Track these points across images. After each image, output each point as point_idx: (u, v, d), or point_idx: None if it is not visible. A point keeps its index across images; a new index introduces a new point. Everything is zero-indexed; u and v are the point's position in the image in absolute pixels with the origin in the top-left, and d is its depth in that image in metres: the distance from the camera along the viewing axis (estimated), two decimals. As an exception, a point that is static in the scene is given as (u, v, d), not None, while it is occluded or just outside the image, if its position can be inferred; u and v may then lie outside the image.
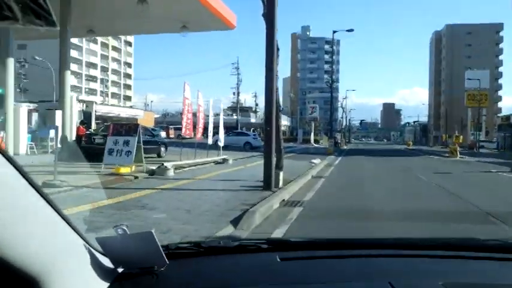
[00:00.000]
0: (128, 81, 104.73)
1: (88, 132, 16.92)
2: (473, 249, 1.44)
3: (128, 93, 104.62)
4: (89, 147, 16.10)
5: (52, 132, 15.60)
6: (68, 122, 16.40)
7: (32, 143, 15.06)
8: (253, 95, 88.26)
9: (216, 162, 18.24)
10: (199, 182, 11.73)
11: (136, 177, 11.92)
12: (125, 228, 1.06)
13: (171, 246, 1.31)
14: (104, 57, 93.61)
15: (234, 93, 73.39)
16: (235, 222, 6.61)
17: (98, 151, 15.51)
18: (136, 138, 12.24)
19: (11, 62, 13.95)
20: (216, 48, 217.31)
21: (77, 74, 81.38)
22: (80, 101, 17.22)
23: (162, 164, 13.13)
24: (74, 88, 79.19)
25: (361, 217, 7.61)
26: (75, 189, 9.39)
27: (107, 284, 1.03)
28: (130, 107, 74.45)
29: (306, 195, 10.31)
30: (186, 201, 8.61)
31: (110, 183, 10.54)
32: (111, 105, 64.51)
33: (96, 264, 1.01)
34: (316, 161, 20.95)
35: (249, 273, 1.23)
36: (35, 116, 30.06)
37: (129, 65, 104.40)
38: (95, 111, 18.66)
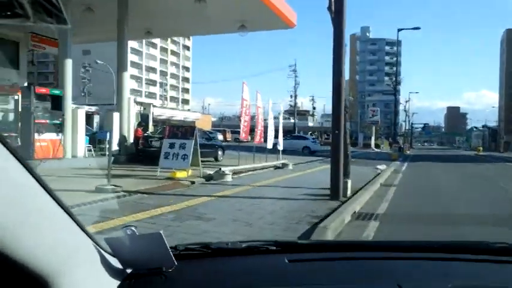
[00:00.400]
0: (186, 85, 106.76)
1: (145, 134, 16.61)
2: (482, 252, 1.41)
3: (186, 96, 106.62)
4: (146, 150, 15.77)
5: (110, 134, 15.41)
6: (125, 124, 16.15)
7: (89, 145, 14.89)
8: (310, 99, 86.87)
9: (275, 167, 17.35)
10: (259, 189, 10.85)
11: (192, 183, 11.26)
12: (133, 229, 1.04)
13: (179, 247, 1.29)
14: (163, 61, 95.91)
15: (291, 96, 72.35)
16: (305, 238, 5.69)
17: (155, 154, 15.13)
18: (193, 141, 11.59)
19: (69, 64, 13.83)
20: (272, 50, 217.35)
21: (137, 78, 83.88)
22: (137, 103, 16.94)
23: (220, 168, 12.40)
24: (135, 92, 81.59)
25: (453, 236, 6.38)
26: (128, 196, 8.81)
27: (116, 285, 1.02)
28: (188, 110, 75.52)
29: (379, 207, 9.16)
30: (246, 211, 7.77)
31: (165, 189, 9.92)
32: (169, 108, 65.67)
33: (105, 265, 1.01)
34: (382, 167, 19.53)
35: (258, 275, 1.21)
36: (96, 119, 30.82)
37: (187, 69, 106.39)
38: (153, 113, 18.32)
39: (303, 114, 79.83)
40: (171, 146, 11.58)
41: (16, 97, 23.84)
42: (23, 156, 0.72)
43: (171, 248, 1.11)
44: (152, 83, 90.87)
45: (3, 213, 0.65)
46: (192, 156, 11.51)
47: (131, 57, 75.76)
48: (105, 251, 1.05)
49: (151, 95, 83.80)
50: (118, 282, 1.03)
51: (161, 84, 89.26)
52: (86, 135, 14.80)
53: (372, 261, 1.36)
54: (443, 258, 1.36)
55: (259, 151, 17.76)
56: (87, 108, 24.01)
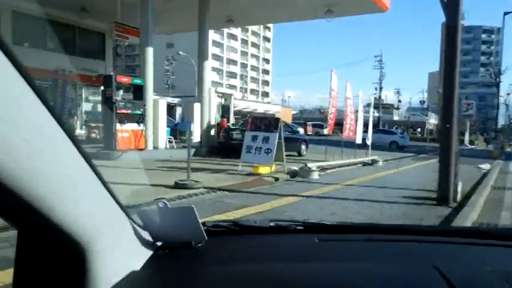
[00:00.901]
0: (266, 77, 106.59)
1: (226, 126, 16.00)
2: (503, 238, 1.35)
3: (266, 89, 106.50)
4: (227, 143, 15.13)
5: (191, 126, 14.95)
6: (206, 115, 15.63)
7: (171, 136, 14.52)
8: (395, 91, 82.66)
9: (364, 164, 15.94)
10: (350, 189, 9.64)
11: (276, 179, 10.32)
12: (165, 202, 1.03)
13: (208, 223, 1.27)
14: (244, 53, 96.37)
15: (375, 89, 69.15)
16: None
17: (236, 147, 14.44)
18: (277, 134, 10.62)
19: (150, 52, 13.47)
20: (354, 40, 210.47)
21: (218, 71, 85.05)
22: (218, 93, 16.30)
23: (305, 164, 11.34)
24: (215, 84, 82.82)
25: None
26: (208, 193, 8.06)
27: (147, 257, 1.02)
28: (268, 102, 75.16)
29: (501, 216, 7.59)
30: (339, 215, 6.68)
31: (247, 186, 9.06)
32: (249, 100, 65.68)
33: (136, 237, 1.00)
34: (485, 166, 17.27)
35: (287, 252, 1.18)
36: (178, 110, 31.10)
37: (267, 61, 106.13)
38: (234, 105, 17.65)
39: (387, 107, 75.95)
40: (254, 139, 10.71)
41: (102, 88, 24.70)
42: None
43: (201, 224, 1.10)
44: (232, 75, 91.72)
45: (45, 181, 0.66)
46: (276, 151, 10.55)
47: (212, 49, 76.98)
48: (137, 224, 1.04)
49: (231, 88, 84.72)
50: (148, 254, 1.03)
51: (241, 77, 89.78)
52: (168, 126, 14.43)
53: (406, 243, 1.30)
54: (479, 243, 1.30)
55: (344, 146, 16.39)
56: (169, 99, 24.04)
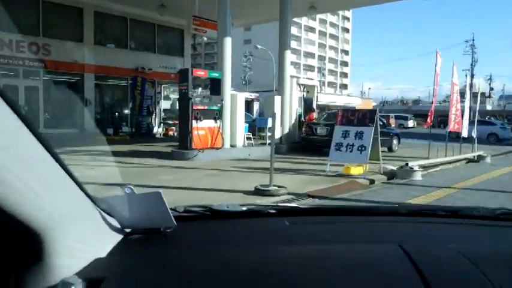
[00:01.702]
0: (345, 69, 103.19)
1: (313, 120, 14.68)
2: (481, 217, 1.41)
3: (344, 81, 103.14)
4: (310, 139, 13.81)
5: (270, 121, 13.82)
6: (287, 109, 14.42)
7: (249, 133, 13.49)
8: (487, 78, 75.81)
9: (468, 160, 13.82)
10: (466, 194, 7.90)
11: (372, 182, 8.85)
12: (132, 187, 1.03)
13: (179, 209, 1.26)
14: (321, 46, 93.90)
15: (466, 76, 63.73)
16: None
17: (320, 143, 13.12)
18: (373, 129, 9.10)
19: (228, 44, 12.51)
20: (440, 25, 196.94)
21: (295, 64, 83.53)
22: (300, 85, 14.99)
23: (406, 163, 9.70)
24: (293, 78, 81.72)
25: None
26: (294, 200, 6.83)
27: (113, 244, 1.01)
28: (347, 95, 72.39)
29: None
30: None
31: (339, 191, 7.70)
32: (328, 93, 63.61)
33: (102, 224, 1.01)
34: None
35: (258, 235, 1.20)
36: (256, 106, 30.26)
37: (346, 52, 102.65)
38: (317, 97, 16.24)
39: (477, 96, 69.79)
40: (345, 134, 9.28)
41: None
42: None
43: (170, 209, 1.10)
44: (310, 68, 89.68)
45: (3, 166, 0.65)
46: (370, 148, 9.05)
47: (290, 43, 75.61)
48: (103, 210, 1.03)
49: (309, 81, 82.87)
50: (115, 241, 1.02)
51: (319, 69, 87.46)
52: (245, 122, 13.41)
53: (373, 224, 1.33)
54: (443, 222, 1.35)
55: (435, 139, 14.27)
56: (246, 94, 23.13)
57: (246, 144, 13.04)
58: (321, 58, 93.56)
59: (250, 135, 13.44)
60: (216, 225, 1.26)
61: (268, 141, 13.72)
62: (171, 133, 20.99)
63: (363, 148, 9.02)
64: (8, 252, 0.80)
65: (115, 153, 12.18)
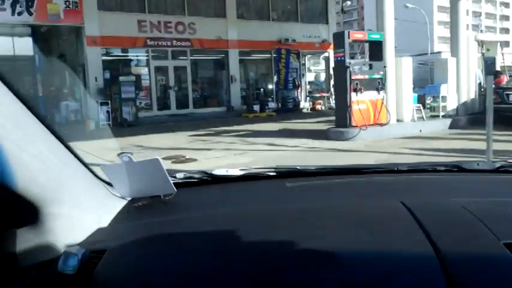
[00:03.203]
0: (505, 24, 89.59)
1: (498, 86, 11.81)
2: (481, 171, 1.42)
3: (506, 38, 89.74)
4: (499, 108, 11.03)
5: (444, 89, 11.41)
6: (463, 72, 11.76)
7: (418, 104, 11.29)
8: None
9: None
10: None
11: None
12: (130, 156, 1.02)
13: (178, 175, 1.26)
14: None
15: None
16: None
17: (513, 114, 10.38)
18: None
19: (390, 2, 10.38)
20: None
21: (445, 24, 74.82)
22: (479, 42, 12.11)
23: None
24: (444, 39, 73.51)
25: None
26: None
27: (115, 213, 1.02)
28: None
29: None
30: None
31: None
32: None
33: (103, 194, 1.02)
34: None
35: (258, 197, 1.22)
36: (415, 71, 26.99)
37: (506, 4, 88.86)
38: (503, 56, 13.09)
39: None
40: None
41: (327, 54, 22.70)
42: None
43: (171, 176, 1.11)
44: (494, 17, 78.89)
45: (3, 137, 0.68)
46: None
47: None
48: (102, 180, 1.04)
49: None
50: (117, 211, 1.03)
51: (474, 27, 77.24)
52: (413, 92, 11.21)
53: (374, 182, 1.34)
54: (444, 177, 1.36)
55: None
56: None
57: (416, 119, 10.88)
58: (476, 14, 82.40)
59: (420, 107, 11.22)
60: (216, 190, 1.27)
61: (441, 113, 11.37)
62: (318, 107, 19.54)
63: None
64: (8, 225, 0.80)
65: (264, 133, 11.18)
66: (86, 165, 0.94)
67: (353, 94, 9.49)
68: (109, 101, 14.65)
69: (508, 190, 1.22)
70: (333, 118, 14.31)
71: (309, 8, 21.14)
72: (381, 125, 9.87)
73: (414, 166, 1.51)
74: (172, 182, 1.07)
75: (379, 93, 9.88)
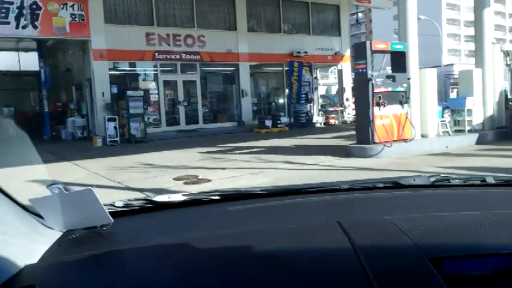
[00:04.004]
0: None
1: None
2: (418, 186, 1.46)
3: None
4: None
5: (469, 102, 10.76)
6: (489, 84, 11.11)
7: (443, 118, 10.63)
8: None
9: None
10: None
11: None
12: (60, 187, 0.99)
13: (117, 203, 1.23)
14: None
15: None
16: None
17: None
18: None
19: (412, 3, 9.80)
20: None
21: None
22: (505, 53, 11.49)
23: None
24: (453, 51, 72.72)
25: None
26: None
27: (46, 247, 0.96)
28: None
29: None
30: None
31: None
32: None
33: (32, 228, 0.98)
34: None
35: (199, 223, 1.19)
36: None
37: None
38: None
39: None
40: None
41: (339, 67, 22.17)
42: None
43: (109, 204, 1.11)
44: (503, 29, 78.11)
45: None
46: None
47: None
48: (34, 214, 1.01)
49: None
50: (48, 244, 0.97)
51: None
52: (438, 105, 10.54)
53: (315, 202, 1.35)
54: (383, 195, 1.40)
55: None
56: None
57: (441, 133, 10.21)
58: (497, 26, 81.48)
59: (446, 122, 10.57)
60: (156, 217, 1.22)
61: (467, 128, 10.71)
62: (332, 121, 18.93)
63: None
64: None
65: (279, 150, 10.59)
66: (12, 198, 0.92)
67: (375, 108, 8.87)
68: (116, 117, 14.14)
69: (439, 205, 1.25)
70: (349, 133, 13.80)
71: (321, 19, 20.68)
72: (405, 140, 9.22)
73: (354, 184, 1.53)
74: (110, 211, 1.03)
75: (403, 107, 9.25)
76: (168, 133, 15.73)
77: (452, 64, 29.85)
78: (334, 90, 24.70)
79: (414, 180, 1.49)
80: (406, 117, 9.29)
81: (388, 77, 9.38)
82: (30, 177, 5.73)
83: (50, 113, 17.00)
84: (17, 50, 19.32)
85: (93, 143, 13.74)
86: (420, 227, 0.95)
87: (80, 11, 14.60)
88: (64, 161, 10.38)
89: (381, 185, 1.48)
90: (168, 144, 13.28)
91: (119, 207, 1.20)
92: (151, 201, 1.28)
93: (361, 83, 9.03)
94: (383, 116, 8.96)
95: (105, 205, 1.02)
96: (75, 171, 8.74)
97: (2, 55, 19.85)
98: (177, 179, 7.36)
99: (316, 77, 20.68)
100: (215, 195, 1.36)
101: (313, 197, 1.40)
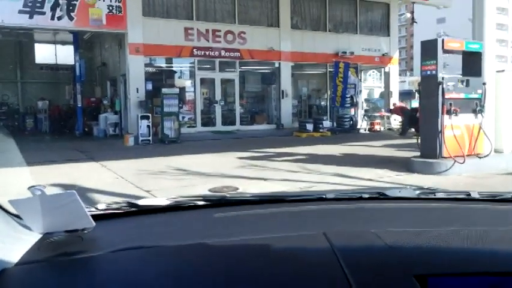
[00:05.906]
0: None
1: None
2: (403, 199, 1.45)
3: None
4: None
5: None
6: None
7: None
8: None
9: None
10: None
11: None
12: (41, 189, 0.94)
13: (100, 206, 1.23)
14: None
15: None
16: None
17: None
18: None
19: (489, 4, 8.48)
20: None
21: (501, 41, 70.90)
22: None
23: None
24: (500, 58, 69.33)
25: None
26: None
27: (25, 249, 0.92)
28: None
29: None
30: None
31: None
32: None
33: (12, 229, 0.95)
34: None
35: (183, 230, 1.16)
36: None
37: None
38: None
39: None
40: None
41: (387, 69, 20.79)
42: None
43: (92, 207, 1.08)
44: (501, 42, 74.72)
45: None
46: None
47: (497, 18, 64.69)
48: (14, 216, 0.98)
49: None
50: (28, 247, 0.94)
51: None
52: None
53: (302, 212, 1.31)
54: (369, 206, 1.38)
55: None
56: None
57: (518, 148, 8.81)
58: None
59: (525, 135, 9.14)
60: (139, 222, 1.19)
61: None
62: (377, 127, 17.59)
63: None
64: None
65: (326, 159, 9.44)
66: None
67: (445, 117, 7.61)
68: (150, 115, 13.35)
69: (425, 218, 1.24)
70: (399, 142, 12.52)
71: (369, 18, 19.35)
72: (479, 156, 7.91)
73: (340, 194, 1.53)
74: (92, 214, 0.98)
75: (476, 116, 7.94)
76: (203, 134, 14.84)
77: (503, 70, 27.94)
78: (376, 93, 23.34)
79: (400, 192, 1.52)
80: (480, 129, 7.97)
81: (461, 80, 8.08)
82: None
83: (83, 108, 16.43)
84: (54, 42, 18.93)
85: (125, 142, 12.97)
86: (406, 242, 0.94)
87: (117, 3, 13.90)
88: (92, 161, 9.62)
89: (367, 196, 1.47)
90: (203, 146, 12.38)
91: (101, 209, 1.18)
92: (135, 205, 1.22)
93: (430, 86, 7.78)
94: (453, 126, 7.68)
95: (87, 208, 0.98)
96: (101, 174, 7.90)
97: (40, 48, 19.56)
98: (214, 190, 6.36)
99: (360, 79, 19.36)
100: (201, 199, 1.34)
101: (300, 206, 1.37)
